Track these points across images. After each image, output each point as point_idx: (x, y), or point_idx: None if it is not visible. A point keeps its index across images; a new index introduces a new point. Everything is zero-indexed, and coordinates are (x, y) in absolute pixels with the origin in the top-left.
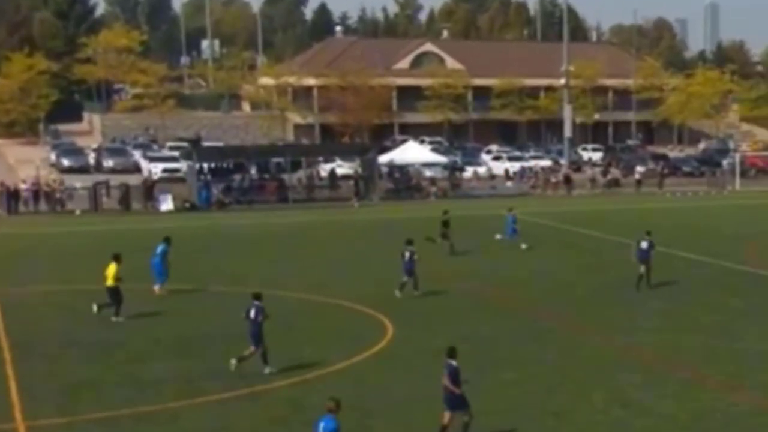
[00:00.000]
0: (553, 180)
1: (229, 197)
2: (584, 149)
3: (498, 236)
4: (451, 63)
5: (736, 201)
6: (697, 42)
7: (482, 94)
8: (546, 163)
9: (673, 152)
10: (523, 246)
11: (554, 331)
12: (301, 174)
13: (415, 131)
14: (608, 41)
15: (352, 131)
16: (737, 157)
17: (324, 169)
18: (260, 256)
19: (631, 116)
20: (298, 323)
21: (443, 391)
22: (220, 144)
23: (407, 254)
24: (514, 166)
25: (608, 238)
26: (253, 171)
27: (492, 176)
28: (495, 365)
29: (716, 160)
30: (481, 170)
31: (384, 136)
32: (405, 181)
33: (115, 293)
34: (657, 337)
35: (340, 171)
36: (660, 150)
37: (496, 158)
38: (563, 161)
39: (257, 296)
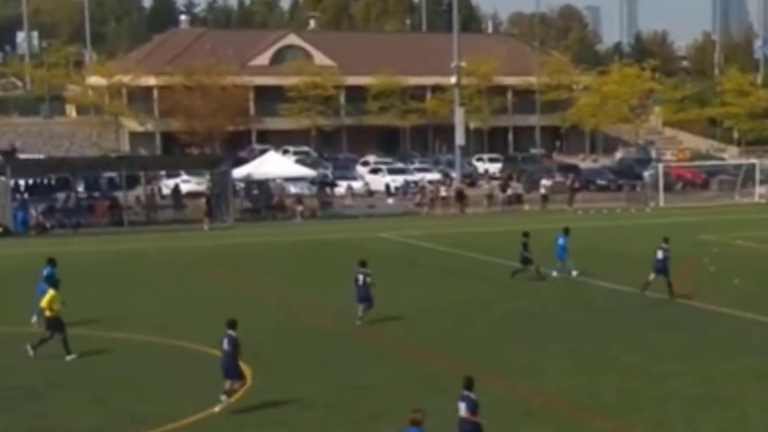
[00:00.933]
0: (443, 196)
1: (50, 220)
2: (479, 160)
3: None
4: (319, 58)
5: (660, 219)
6: (612, 33)
7: (357, 95)
8: (434, 176)
9: (585, 163)
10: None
11: (446, 376)
12: (139, 192)
13: (277, 139)
14: (507, 32)
15: (201, 140)
16: (660, 168)
17: (167, 185)
18: (89, 291)
19: (534, 120)
20: (139, 371)
21: (459, 424)
22: (39, 156)
23: (360, 278)
24: (396, 180)
25: (509, 264)
26: (81, 188)
27: (370, 192)
28: (373, 419)
29: (636, 171)
30: (357, 185)
31: (239, 146)
32: (265, 199)
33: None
34: (569, 380)
35: (186, 188)
36: (569, 160)
37: (375, 171)
38: (454, 174)
39: (231, 324)
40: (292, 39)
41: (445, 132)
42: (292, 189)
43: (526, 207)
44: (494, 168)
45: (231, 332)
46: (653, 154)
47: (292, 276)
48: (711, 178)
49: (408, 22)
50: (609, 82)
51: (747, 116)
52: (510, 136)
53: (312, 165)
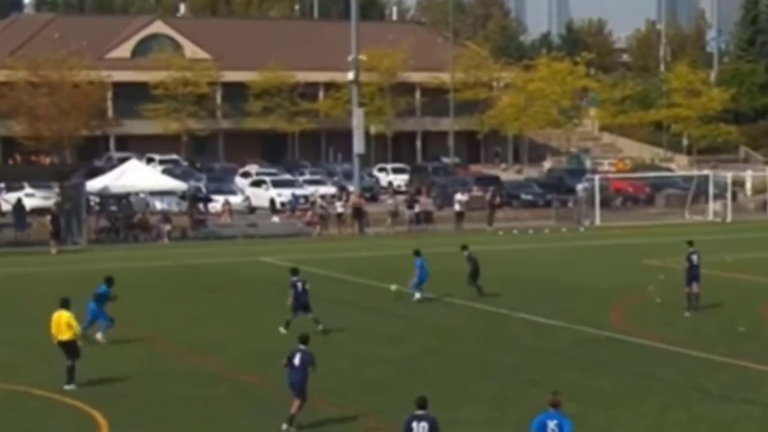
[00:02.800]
0: (338, 213)
1: None
2: (382, 170)
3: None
4: (191, 50)
5: (596, 241)
6: (539, 22)
7: (236, 93)
8: (328, 190)
9: (508, 174)
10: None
11: (340, 428)
12: None
13: (140, 146)
14: (415, 21)
15: (49, 147)
16: (596, 180)
17: (6, 200)
18: None
19: (447, 124)
20: None
21: None
22: None
23: (299, 285)
24: (283, 195)
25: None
26: None
27: (251, 209)
28: None
29: (567, 184)
30: (236, 200)
31: (95, 154)
32: (125, 216)
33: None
34: None
35: (30, 203)
36: (489, 171)
37: (257, 184)
38: (352, 187)
39: (304, 339)
40: (159, 27)
41: (341, 137)
42: (158, 205)
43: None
44: (400, 180)
45: (303, 347)
46: (588, 164)
47: (157, 308)
48: (656, 193)
49: (297, 7)
50: (535, 79)
51: (698, 120)
52: (418, 143)
53: (182, 176)
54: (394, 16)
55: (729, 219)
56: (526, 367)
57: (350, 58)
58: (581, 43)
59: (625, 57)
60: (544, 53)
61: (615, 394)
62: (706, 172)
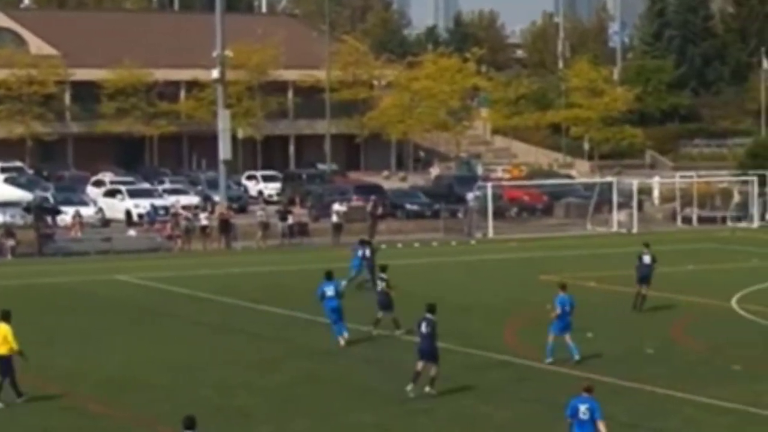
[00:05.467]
0: (203, 226)
1: None
2: (251, 178)
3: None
4: (36, 45)
5: (489, 255)
6: (424, 14)
7: (87, 93)
8: (191, 200)
9: (391, 182)
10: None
11: None
12: None
13: None
14: (287, 13)
15: None
16: (489, 188)
17: None
18: None
19: (324, 127)
20: None
21: None
22: None
23: (379, 284)
24: (141, 206)
25: (290, 315)
26: None
27: (105, 221)
28: None
29: (457, 193)
30: (88, 212)
31: None
32: None
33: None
34: None
35: None
36: (371, 179)
37: (111, 194)
38: (218, 198)
39: (431, 308)
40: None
41: (206, 142)
42: (0, 217)
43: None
44: (271, 189)
45: (430, 316)
46: (479, 170)
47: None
48: (555, 202)
49: None
50: (421, 78)
51: (600, 122)
52: (291, 148)
53: (27, 186)
54: (264, 8)
55: (635, 230)
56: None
57: (215, 54)
58: (471, 37)
59: (520, 53)
60: (431, 49)
61: (512, 424)
62: (609, 178)
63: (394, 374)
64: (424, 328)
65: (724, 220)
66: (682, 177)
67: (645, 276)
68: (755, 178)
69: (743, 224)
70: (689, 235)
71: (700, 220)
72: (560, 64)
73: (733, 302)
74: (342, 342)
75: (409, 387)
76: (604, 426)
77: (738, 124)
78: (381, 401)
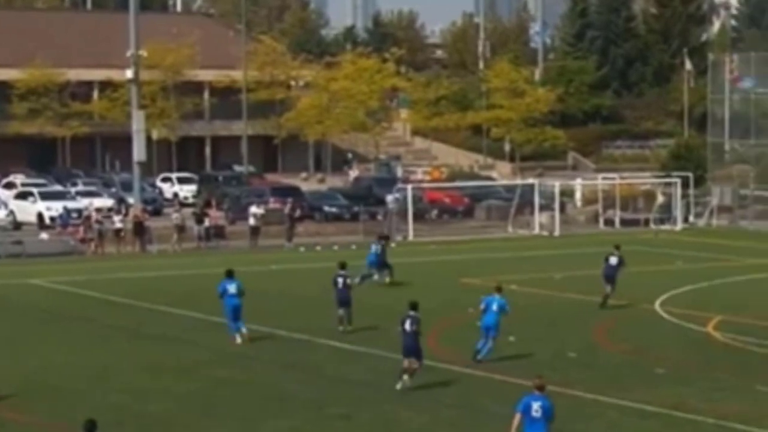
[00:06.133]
0: (117, 229)
1: None
2: (166, 180)
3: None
4: None
5: (409, 258)
6: (342, 14)
7: None
8: (104, 202)
9: (309, 184)
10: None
11: None
12: None
13: None
14: (202, 12)
15: None
16: (409, 190)
17: None
18: None
19: (241, 128)
20: None
21: None
22: None
23: (340, 281)
24: (53, 208)
25: (207, 319)
26: None
27: (17, 224)
28: None
29: (377, 195)
30: None
31: None
32: None
33: None
34: None
35: None
36: (288, 181)
37: (22, 196)
38: (132, 200)
39: (414, 306)
40: None
41: (119, 143)
42: None
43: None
44: (186, 191)
45: (413, 313)
46: (399, 172)
47: None
48: (476, 204)
49: None
50: (339, 78)
51: (522, 123)
52: (207, 149)
53: None
54: (179, 8)
55: (557, 232)
56: (331, 399)
57: (129, 53)
58: (390, 37)
59: (440, 53)
60: (349, 49)
61: (434, 429)
62: (531, 180)
63: (312, 379)
64: (408, 325)
65: (647, 222)
66: (604, 179)
67: (609, 276)
68: (678, 180)
69: (666, 226)
70: (612, 238)
71: (623, 222)
72: (481, 65)
73: (657, 305)
74: (239, 340)
75: (399, 385)
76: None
77: (660, 126)
78: (299, 407)
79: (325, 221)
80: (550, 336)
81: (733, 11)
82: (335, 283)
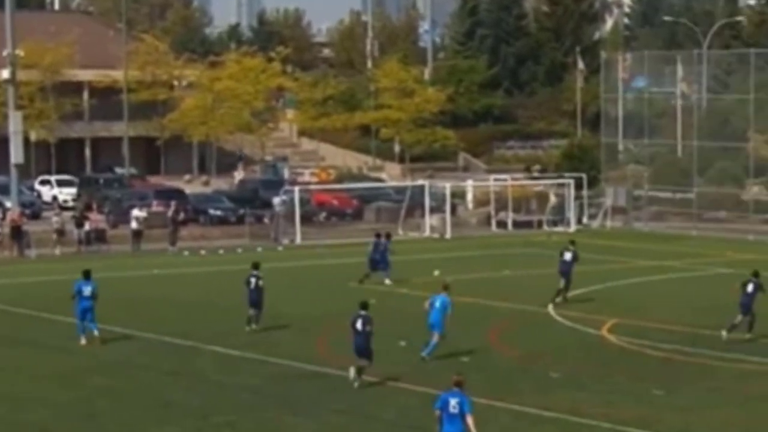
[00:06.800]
0: None
1: None
2: (45, 183)
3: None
4: None
5: (297, 261)
6: (226, 12)
7: None
8: None
9: (193, 186)
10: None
11: None
12: None
13: None
14: (81, 10)
15: None
16: (296, 192)
17: None
18: None
19: (122, 129)
20: None
21: None
22: None
23: (253, 281)
24: None
25: (107, 329)
26: None
27: None
28: None
29: (263, 198)
30: None
31: None
32: None
33: None
34: None
35: None
36: (172, 183)
37: None
38: (9, 203)
39: (364, 306)
40: None
41: None
42: None
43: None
44: (66, 194)
45: (364, 312)
46: (286, 174)
47: None
48: (365, 206)
49: None
50: (224, 78)
51: (411, 123)
52: (87, 151)
53: None
54: (57, 5)
55: (448, 235)
56: (217, 406)
57: (5, 53)
58: (276, 36)
59: (327, 52)
60: (233, 48)
61: None
62: (421, 182)
63: (196, 386)
64: (359, 325)
65: (540, 224)
66: (496, 180)
67: (563, 272)
68: (571, 181)
69: (560, 228)
70: (504, 240)
71: (516, 224)
72: (369, 64)
73: (551, 308)
74: (83, 341)
75: (356, 383)
76: (472, 420)
77: (553, 126)
78: (183, 414)
79: (210, 224)
80: (443, 340)
81: (626, 9)
82: (248, 283)
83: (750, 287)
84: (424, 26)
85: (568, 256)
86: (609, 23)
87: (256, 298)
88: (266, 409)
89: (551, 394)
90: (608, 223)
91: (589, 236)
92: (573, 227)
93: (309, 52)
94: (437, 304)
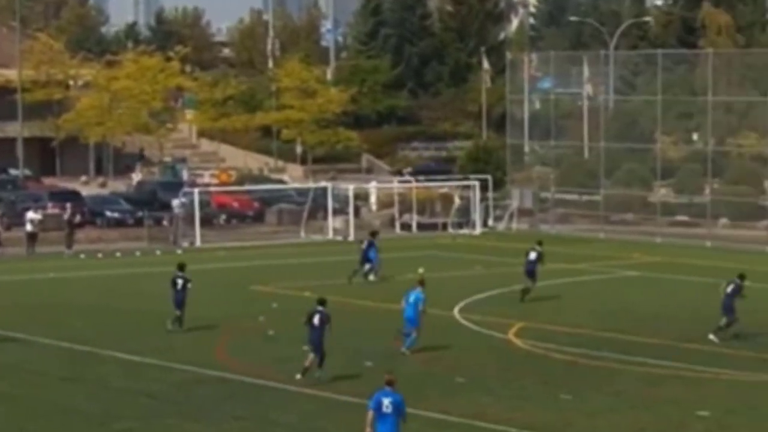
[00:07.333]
0: None
1: None
2: None
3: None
4: None
5: (198, 265)
6: (123, 10)
7: None
8: None
9: (90, 188)
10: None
11: None
12: None
13: None
14: None
15: None
16: (196, 194)
17: None
18: None
19: (16, 130)
20: None
21: None
22: None
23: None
24: None
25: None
26: None
27: None
28: None
29: (162, 199)
30: None
31: None
32: None
33: None
34: None
35: None
36: (68, 185)
37: None
38: None
39: (322, 302)
40: None
41: None
42: None
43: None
44: None
45: (321, 308)
46: (185, 175)
47: None
48: (267, 208)
49: None
50: (121, 77)
51: (314, 124)
52: None
53: None
54: None
55: (351, 237)
56: (116, 413)
57: None
58: (174, 35)
59: (227, 52)
60: (131, 47)
61: None
62: (324, 184)
63: (97, 392)
64: (316, 320)
65: (445, 226)
66: (400, 182)
67: (528, 271)
68: (477, 183)
69: (465, 231)
70: (409, 243)
71: (420, 226)
72: (270, 64)
73: (456, 312)
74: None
75: (298, 376)
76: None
77: (458, 127)
78: (83, 421)
79: (107, 227)
80: (345, 344)
81: (532, 9)
82: (174, 284)
83: (729, 288)
84: (327, 25)
85: (533, 255)
86: (514, 23)
87: (180, 299)
88: (167, 416)
89: (457, 398)
90: (514, 226)
91: (495, 239)
92: (478, 230)
93: (209, 52)
94: (411, 299)
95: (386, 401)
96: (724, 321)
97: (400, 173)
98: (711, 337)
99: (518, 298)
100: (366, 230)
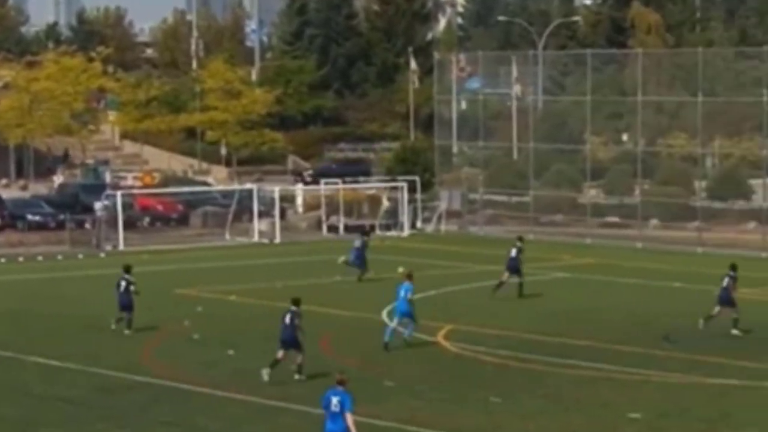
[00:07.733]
0: None
1: None
2: None
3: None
4: None
5: (119, 268)
6: (44, 10)
7: None
8: None
9: (11, 191)
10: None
11: None
12: None
13: None
14: None
15: None
16: (119, 197)
17: None
18: None
19: None
20: None
21: None
22: None
23: (123, 284)
24: None
25: None
26: None
27: None
28: None
29: (84, 202)
30: None
31: None
32: None
33: None
34: None
35: None
36: None
37: None
38: None
39: (296, 302)
40: None
41: None
42: None
43: None
44: None
45: (294, 307)
46: (108, 178)
47: None
48: (191, 211)
49: None
50: (41, 78)
51: (238, 125)
52: None
53: None
54: None
55: (278, 240)
56: (36, 419)
57: None
58: (96, 35)
59: (150, 52)
60: (52, 47)
61: None
62: (249, 185)
63: (19, 399)
64: (288, 319)
65: (372, 228)
66: (327, 184)
67: (510, 267)
68: (404, 184)
69: (393, 233)
70: (336, 245)
71: (347, 228)
72: (194, 65)
73: (384, 315)
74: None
75: (265, 371)
76: (352, 419)
77: (385, 128)
78: (7, 429)
79: (29, 230)
80: (272, 349)
81: (459, 9)
82: (118, 286)
83: (725, 281)
84: (251, 25)
85: (513, 252)
86: (442, 23)
87: (126, 302)
88: (92, 422)
89: (386, 402)
90: (443, 227)
91: (424, 240)
92: (407, 231)
93: (131, 52)
94: (402, 293)
95: (335, 400)
96: (733, 315)
97: (300, 175)
98: (734, 332)
99: (491, 290)
100: (292, 232)
